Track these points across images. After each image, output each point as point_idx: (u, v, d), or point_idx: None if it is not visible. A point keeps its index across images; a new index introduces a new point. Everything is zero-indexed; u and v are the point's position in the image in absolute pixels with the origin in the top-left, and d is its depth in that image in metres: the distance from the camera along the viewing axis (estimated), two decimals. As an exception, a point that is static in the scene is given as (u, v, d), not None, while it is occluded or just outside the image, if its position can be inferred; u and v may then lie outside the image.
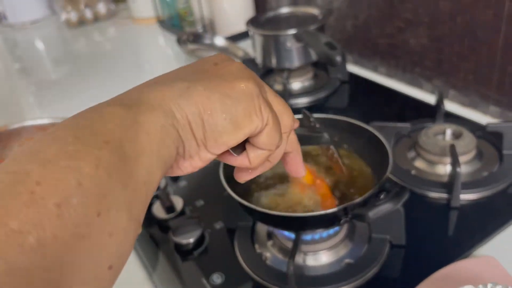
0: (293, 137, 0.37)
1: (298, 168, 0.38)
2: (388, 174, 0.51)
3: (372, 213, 0.45)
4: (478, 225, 0.61)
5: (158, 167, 0.26)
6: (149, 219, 0.71)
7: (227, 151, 0.32)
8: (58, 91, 1.28)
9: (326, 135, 0.51)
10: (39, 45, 1.79)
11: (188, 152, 0.29)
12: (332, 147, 0.53)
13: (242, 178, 0.36)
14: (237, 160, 0.33)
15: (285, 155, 0.37)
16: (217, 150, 0.30)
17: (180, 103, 0.28)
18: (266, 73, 1.15)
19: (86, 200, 0.21)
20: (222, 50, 1.31)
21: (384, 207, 0.45)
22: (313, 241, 0.57)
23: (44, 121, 0.78)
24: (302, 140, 0.46)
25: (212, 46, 1.32)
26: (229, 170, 0.59)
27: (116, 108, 0.26)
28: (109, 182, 0.23)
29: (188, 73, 0.31)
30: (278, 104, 0.33)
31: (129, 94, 0.29)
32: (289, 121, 0.34)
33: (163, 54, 1.52)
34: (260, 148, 0.32)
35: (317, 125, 0.55)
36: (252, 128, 0.30)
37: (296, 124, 0.39)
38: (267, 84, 0.34)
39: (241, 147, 0.33)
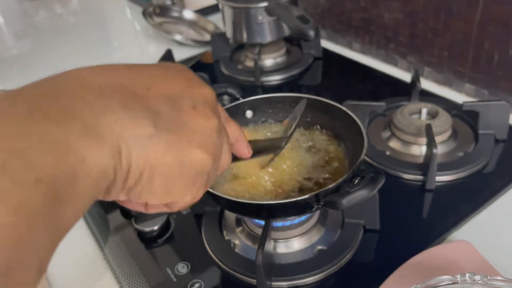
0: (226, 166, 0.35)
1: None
2: (363, 158, 0.48)
3: (346, 201, 0.42)
4: (453, 207, 0.60)
5: (85, 209, 0.23)
6: (110, 205, 0.66)
7: None
8: (20, 66, 1.21)
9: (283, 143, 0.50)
10: (-3, 17, 1.68)
11: (110, 191, 0.25)
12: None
13: (135, 210, 0.32)
14: (134, 206, 0.30)
15: None
16: (134, 201, 0.27)
17: (132, 148, 0.24)
18: (236, 48, 1.10)
19: None
20: (191, 23, 1.25)
21: (359, 194, 0.42)
22: (284, 228, 0.55)
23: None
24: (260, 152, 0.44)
25: (180, 20, 1.26)
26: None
27: (60, 129, 0.20)
28: (28, 231, 0.18)
29: (165, 109, 0.26)
30: (226, 163, 0.32)
31: (79, 101, 0.22)
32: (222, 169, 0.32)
33: (129, 27, 1.44)
34: (166, 206, 0.29)
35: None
36: (178, 201, 0.28)
37: (248, 156, 0.39)
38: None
39: None
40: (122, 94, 0.24)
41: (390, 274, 0.50)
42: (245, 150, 0.38)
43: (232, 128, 0.36)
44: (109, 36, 1.43)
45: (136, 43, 1.33)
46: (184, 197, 0.28)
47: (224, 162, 0.32)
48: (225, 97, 0.88)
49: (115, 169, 0.23)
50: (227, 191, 0.52)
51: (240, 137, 0.37)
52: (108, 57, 1.22)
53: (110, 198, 0.26)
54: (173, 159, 0.25)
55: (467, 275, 0.43)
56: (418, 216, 0.59)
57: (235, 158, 0.39)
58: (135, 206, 0.30)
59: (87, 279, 0.58)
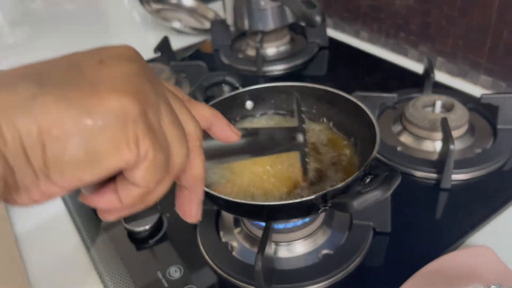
0: (197, 171, 0.28)
1: (191, 210, 0.29)
2: (375, 154, 0.43)
3: (357, 203, 0.37)
4: (470, 209, 0.55)
5: None
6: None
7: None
8: (16, 56, 1.16)
9: (300, 138, 0.42)
10: (-7, 4, 1.63)
11: (21, 183, 0.20)
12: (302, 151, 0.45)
13: (107, 216, 0.26)
14: (99, 199, 0.24)
15: (179, 190, 0.29)
16: (67, 184, 0.21)
17: (14, 118, 0.19)
18: (237, 36, 1.04)
19: None
20: (190, 11, 1.19)
21: (372, 196, 0.37)
22: (286, 230, 0.50)
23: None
24: (269, 147, 0.39)
25: (179, 6, 1.20)
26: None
27: None
28: None
29: (56, 70, 0.21)
30: (173, 134, 0.24)
31: None
32: (178, 159, 0.25)
33: (127, 15, 1.39)
34: (133, 184, 0.23)
35: (303, 119, 0.46)
36: (118, 163, 0.22)
37: (235, 137, 0.32)
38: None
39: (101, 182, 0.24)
40: (5, 77, 0.21)
41: (403, 282, 0.46)
42: (228, 131, 0.32)
43: (199, 109, 0.30)
44: (107, 23, 1.38)
45: (133, 31, 1.27)
46: (120, 156, 0.21)
47: (188, 128, 0.26)
48: (225, 88, 0.83)
49: None
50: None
51: (214, 118, 0.31)
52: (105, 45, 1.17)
53: (40, 195, 0.21)
54: (77, 112, 0.20)
55: (492, 287, 0.38)
56: (432, 217, 0.55)
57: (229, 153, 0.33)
58: (100, 200, 0.24)
59: (70, 281, 0.53)
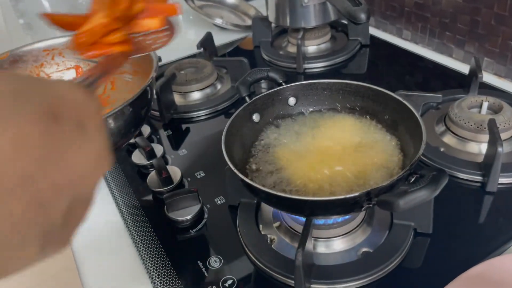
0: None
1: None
2: (421, 153, 0.42)
3: (403, 202, 0.36)
4: (517, 213, 0.53)
5: None
6: (143, 191, 0.64)
7: None
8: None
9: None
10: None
11: None
12: None
13: None
14: None
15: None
16: None
17: None
18: (278, 33, 1.05)
19: None
20: (232, 7, 1.21)
21: (418, 195, 0.36)
22: (326, 226, 0.50)
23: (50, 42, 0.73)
24: None
25: (221, 3, 1.22)
26: (232, 142, 0.51)
27: None
28: None
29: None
30: None
31: None
32: None
33: (169, 11, 1.42)
34: None
35: None
36: None
37: None
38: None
39: None
40: None
41: (443, 285, 0.45)
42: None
43: None
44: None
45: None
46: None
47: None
48: (263, 85, 0.84)
49: None
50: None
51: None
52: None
53: None
54: None
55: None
56: (476, 221, 0.53)
57: None
58: None
59: (115, 267, 0.55)
